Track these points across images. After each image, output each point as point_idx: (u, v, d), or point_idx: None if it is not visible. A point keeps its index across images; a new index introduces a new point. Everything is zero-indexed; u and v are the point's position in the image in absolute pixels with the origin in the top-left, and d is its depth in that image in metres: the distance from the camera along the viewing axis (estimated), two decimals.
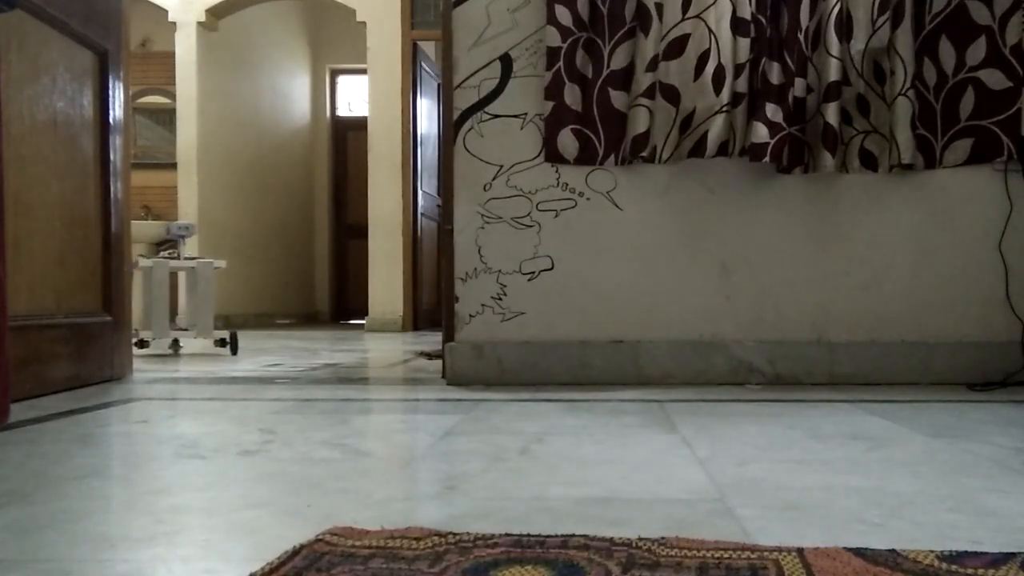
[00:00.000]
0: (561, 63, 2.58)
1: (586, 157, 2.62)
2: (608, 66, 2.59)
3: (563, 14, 2.58)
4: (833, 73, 2.50)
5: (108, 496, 1.20)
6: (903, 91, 2.49)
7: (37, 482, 1.29)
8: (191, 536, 1.00)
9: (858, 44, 2.55)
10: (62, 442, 1.64)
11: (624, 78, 2.59)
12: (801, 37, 2.51)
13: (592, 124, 2.60)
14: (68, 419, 1.96)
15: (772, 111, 2.49)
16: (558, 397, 2.29)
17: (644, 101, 2.53)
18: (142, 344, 3.90)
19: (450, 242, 2.70)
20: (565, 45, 2.58)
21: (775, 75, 2.51)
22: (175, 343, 4.19)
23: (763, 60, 2.52)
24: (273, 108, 8.12)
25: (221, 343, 4.09)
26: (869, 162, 2.58)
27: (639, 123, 2.54)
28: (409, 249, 6.69)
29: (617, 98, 2.59)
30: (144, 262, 3.98)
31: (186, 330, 4.13)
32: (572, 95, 2.60)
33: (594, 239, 2.66)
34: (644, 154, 2.54)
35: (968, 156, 2.54)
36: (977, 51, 2.50)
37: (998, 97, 2.49)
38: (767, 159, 2.49)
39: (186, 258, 4.30)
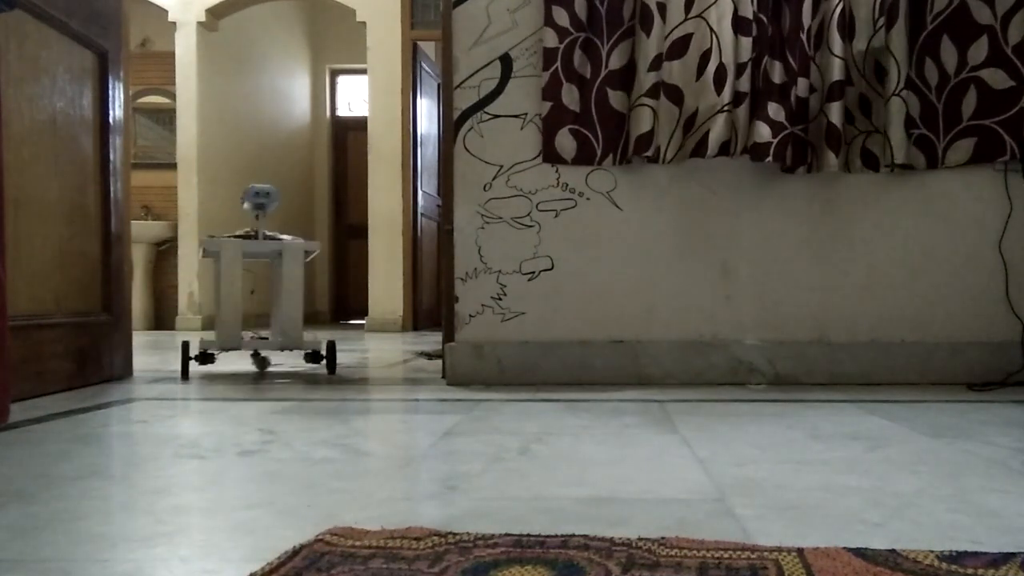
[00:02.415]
0: (558, 63, 2.58)
1: (584, 157, 2.62)
2: (607, 66, 2.59)
3: (560, 15, 2.58)
4: (836, 72, 2.50)
5: (108, 496, 1.20)
6: (897, 91, 2.49)
7: (37, 482, 1.29)
8: (191, 536, 1.00)
9: (859, 44, 2.55)
10: (62, 442, 1.64)
11: (623, 78, 2.59)
12: (803, 36, 2.50)
13: (590, 124, 2.60)
14: (68, 419, 1.95)
15: (774, 110, 2.49)
16: (558, 397, 2.29)
17: (648, 101, 2.53)
18: (205, 358, 2.95)
19: (450, 242, 2.70)
20: (562, 46, 2.58)
21: (777, 74, 2.50)
22: (260, 357, 3.15)
23: (765, 59, 2.51)
24: (273, 108, 8.12)
25: (312, 358, 3.10)
26: (870, 162, 2.58)
27: (643, 123, 2.53)
28: (409, 249, 6.69)
29: (615, 98, 2.59)
30: (211, 244, 2.97)
31: (265, 339, 3.15)
32: (570, 95, 2.60)
33: (594, 239, 2.66)
34: (648, 154, 2.53)
35: (971, 156, 2.53)
36: (979, 50, 2.50)
37: (1000, 97, 2.49)
38: (770, 159, 2.48)
39: (267, 236, 3.08)
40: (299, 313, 3.03)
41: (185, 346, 2.88)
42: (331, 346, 3.04)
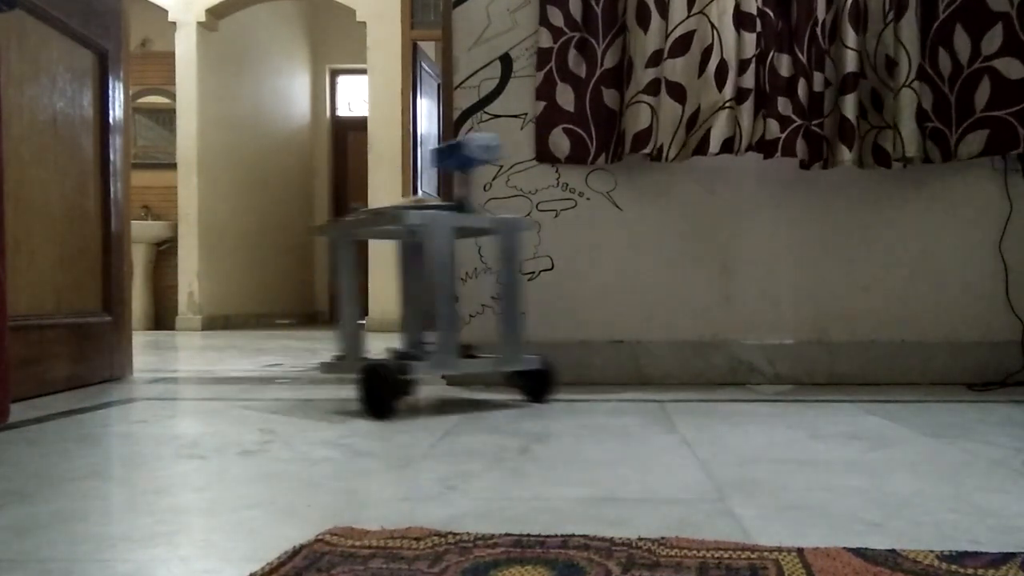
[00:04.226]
0: (552, 63, 2.58)
1: (578, 156, 2.61)
2: (601, 65, 2.58)
3: (555, 15, 2.57)
4: (850, 65, 2.46)
5: (108, 496, 1.20)
6: (907, 82, 2.44)
7: (37, 482, 1.29)
8: (191, 536, 1.00)
9: (871, 36, 2.50)
10: (62, 442, 1.64)
11: (616, 76, 2.58)
12: (818, 30, 2.47)
13: (585, 123, 2.59)
14: (68, 419, 1.95)
15: (783, 105, 2.46)
16: (558, 397, 2.29)
17: (645, 98, 2.51)
18: (399, 388, 1.94)
19: None
20: (556, 45, 2.58)
21: (785, 68, 2.47)
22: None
23: (772, 54, 2.48)
24: (273, 108, 8.12)
25: (526, 379, 2.18)
26: (881, 158, 2.51)
27: (640, 120, 2.50)
28: None
29: (609, 96, 2.58)
30: (415, 217, 1.97)
31: (473, 356, 2.20)
32: (564, 95, 2.59)
33: (594, 239, 2.66)
34: (647, 151, 2.51)
35: (984, 148, 2.45)
36: (993, 39, 2.43)
37: (1015, 87, 2.42)
38: (779, 154, 2.46)
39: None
40: (522, 321, 2.18)
41: (376, 374, 1.92)
42: (548, 363, 2.17)
